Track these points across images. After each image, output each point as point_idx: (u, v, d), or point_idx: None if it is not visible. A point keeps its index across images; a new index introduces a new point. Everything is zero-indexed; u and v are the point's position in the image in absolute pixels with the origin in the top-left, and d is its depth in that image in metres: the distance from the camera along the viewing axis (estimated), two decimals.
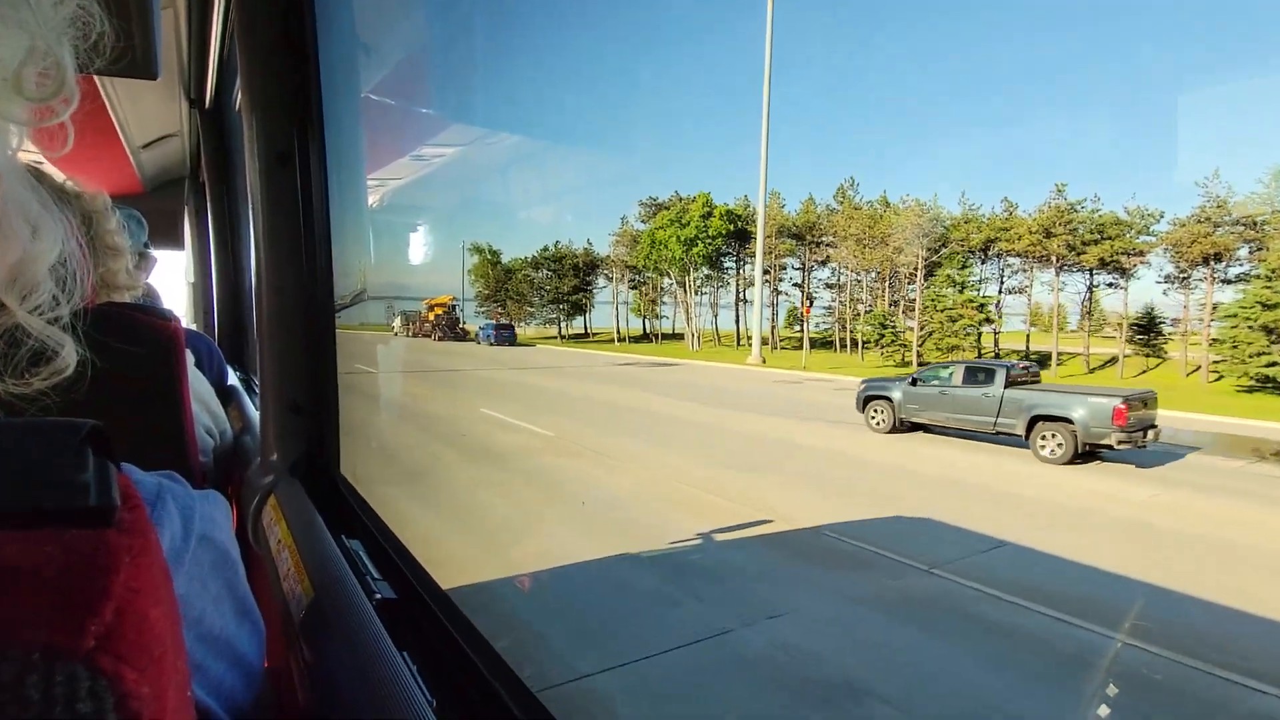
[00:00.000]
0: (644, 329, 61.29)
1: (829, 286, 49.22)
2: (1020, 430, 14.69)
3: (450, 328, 56.62)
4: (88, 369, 0.66)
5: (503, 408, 19.02)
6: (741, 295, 55.04)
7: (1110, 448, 13.64)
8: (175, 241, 6.12)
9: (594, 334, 62.08)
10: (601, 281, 63.19)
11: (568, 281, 61.64)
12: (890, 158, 60.13)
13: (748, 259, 54.40)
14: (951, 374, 16.52)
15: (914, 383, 16.91)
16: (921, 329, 38.21)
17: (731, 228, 52.50)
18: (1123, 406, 13.51)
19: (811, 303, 46.69)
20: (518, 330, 58.85)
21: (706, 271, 53.85)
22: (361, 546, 1.49)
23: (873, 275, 44.46)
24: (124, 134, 4.47)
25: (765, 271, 50.42)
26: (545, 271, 62.93)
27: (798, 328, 48.83)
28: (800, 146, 62.75)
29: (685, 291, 55.49)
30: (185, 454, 1.70)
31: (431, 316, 58.04)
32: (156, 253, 2.66)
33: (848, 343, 45.32)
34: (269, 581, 1.40)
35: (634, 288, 60.85)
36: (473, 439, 14.79)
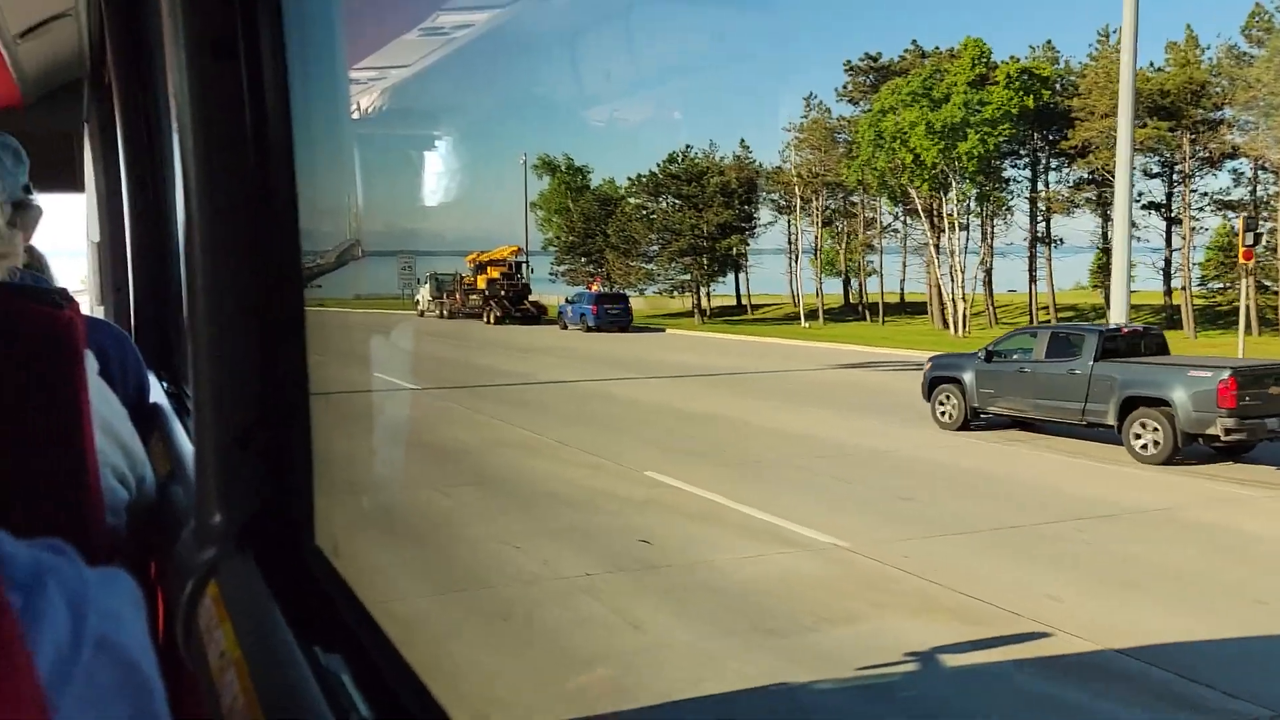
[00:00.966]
0: (846, 296, 42.64)
1: (1224, 206, 28.59)
2: (1111, 419, 12.63)
3: (516, 300, 40.42)
4: None
5: (692, 469, 11.26)
6: (1044, 232, 34.93)
7: (1216, 439, 11.51)
8: (70, 180, 5.00)
9: (754, 306, 45.00)
10: (764, 215, 44.36)
11: (712, 215, 42.16)
12: None
13: (1058, 162, 33.10)
14: (1035, 344, 14.25)
15: (989, 358, 14.67)
16: None
17: (1030, 103, 30.78)
18: (1229, 382, 11.23)
19: (1257, 238, 22.98)
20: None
21: (976, 188, 33.67)
22: (344, 665, 1.22)
23: None
24: None
25: (1095, 181, 29.63)
26: (669, 200, 43.76)
27: (1192, 284, 28.60)
28: None
29: (940, 225, 35.03)
30: (82, 511, 1.43)
31: (482, 282, 41.88)
32: (43, 199, 1.97)
33: None
34: (204, 714, 1.19)
35: (827, 224, 42.28)
36: (663, 555, 8.09)
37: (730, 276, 45.22)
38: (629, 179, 46.30)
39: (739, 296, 46.02)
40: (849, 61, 39.53)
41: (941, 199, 34.02)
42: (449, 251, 44.60)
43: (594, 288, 41.87)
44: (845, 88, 39.50)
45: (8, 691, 0.39)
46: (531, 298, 42.56)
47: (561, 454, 12.62)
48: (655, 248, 43.92)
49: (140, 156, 3.66)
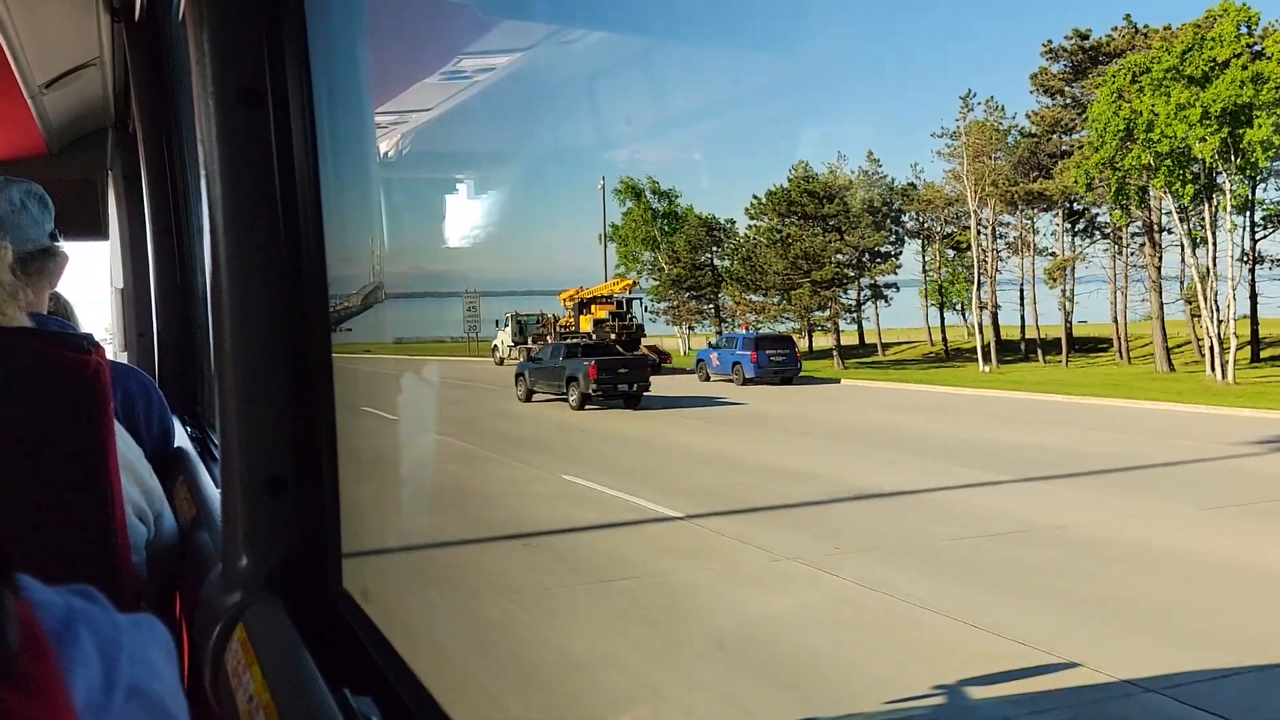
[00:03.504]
0: (996, 331, 35.70)
1: None
2: None
3: (629, 344, 33.63)
4: None
5: None
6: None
7: None
8: (95, 228, 5.05)
9: (884, 345, 40.39)
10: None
11: (856, 238, 36.67)
12: None
13: None
14: None
15: None
16: None
17: None
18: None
19: None
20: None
21: (1254, 185, 26.78)
22: (375, 709, 1.24)
23: None
24: (16, 66, 3.57)
25: None
26: (794, 220, 37.95)
27: None
28: None
29: (1199, 236, 27.99)
30: (111, 556, 1.41)
31: (586, 324, 35.60)
32: (69, 245, 1.99)
33: None
34: None
35: (957, 248, 37.05)
36: None
37: (862, 312, 39.69)
38: (754, 198, 40.07)
39: (862, 334, 40.51)
40: (1049, 43, 33.38)
41: (1214, 207, 26.89)
42: (518, 291, 40.23)
43: (745, 326, 35.24)
44: (1043, 74, 33.49)
45: None
46: (654, 345, 36.62)
47: None
48: (781, 278, 37.74)
49: (164, 203, 3.71)
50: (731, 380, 30.79)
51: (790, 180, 38.86)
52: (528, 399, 26.56)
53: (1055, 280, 35.95)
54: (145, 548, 1.61)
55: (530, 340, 37.33)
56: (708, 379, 31.87)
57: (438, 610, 7.48)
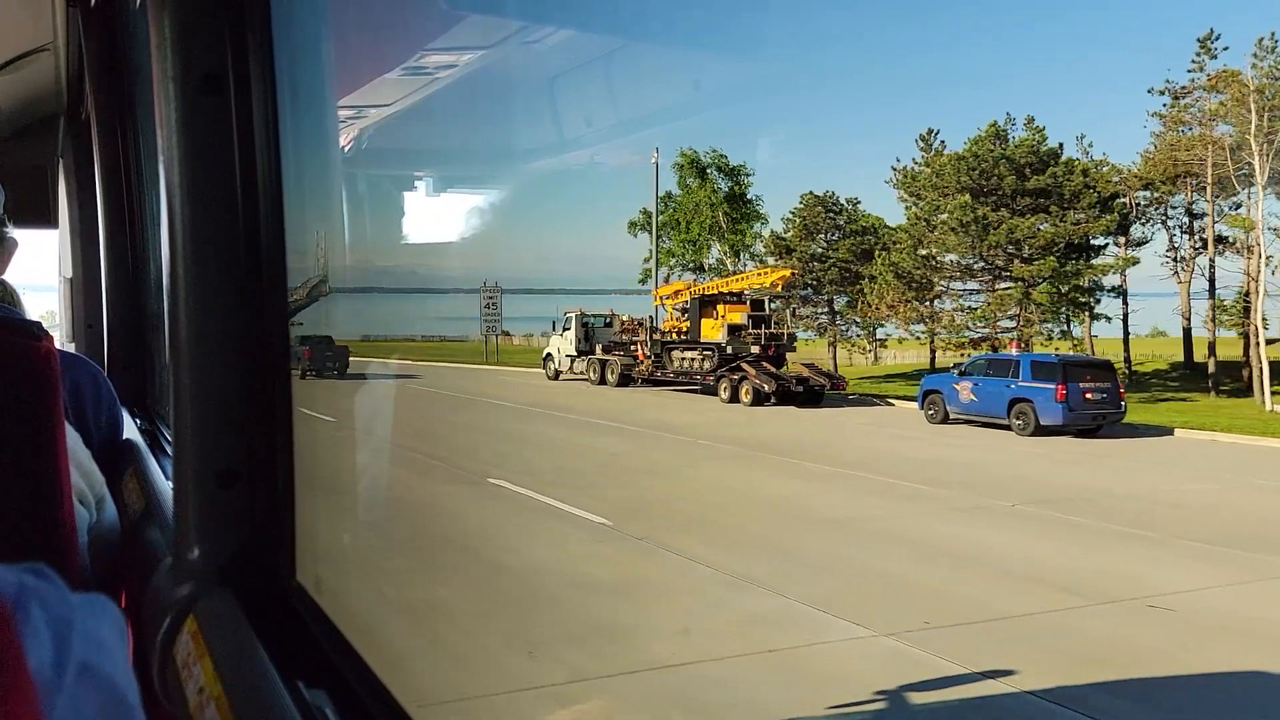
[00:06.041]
0: (1245, 347, 27.82)
1: None
2: None
3: (775, 360, 25.47)
4: None
5: None
6: None
7: None
8: (43, 215, 4.97)
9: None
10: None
11: (1072, 222, 28.16)
12: None
13: None
14: None
15: None
16: None
17: None
18: None
19: None
20: (879, 351, 30.09)
21: None
22: (329, 700, 1.22)
23: None
24: None
25: None
26: (990, 198, 28.67)
27: None
28: None
29: None
30: (60, 539, 1.45)
31: (713, 329, 26.66)
32: (16, 233, 1.97)
33: None
34: None
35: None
36: None
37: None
38: (901, 168, 31.08)
39: (1092, 344, 30.80)
40: None
41: None
42: (516, 289, 31.67)
43: (1011, 347, 24.77)
44: None
45: (14, 710, 0.39)
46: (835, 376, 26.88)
47: None
48: (987, 270, 28.57)
49: (117, 192, 3.68)
50: (991, 424, 20.84)
51: (972, 143, 29.72)
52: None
53: None
54: (87, 532, 1.62)
55: (609, 349, 29.51)
56: (944, 419, 21.96)
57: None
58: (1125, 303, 31.77)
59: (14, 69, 4.06)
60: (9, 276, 2.31)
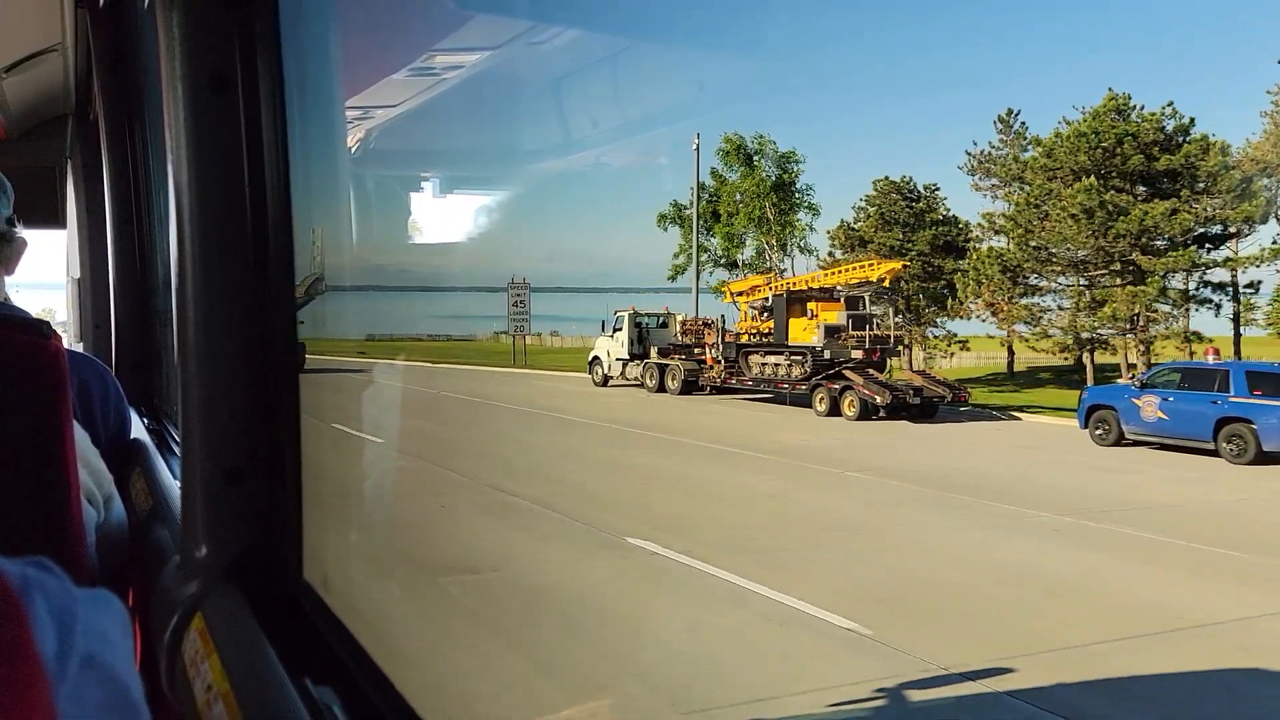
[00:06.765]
0: None
1: None
2: None
3: (879, 365, 22.68)
4: None
5: None
6: None
7: None
8: (52, 216, 5.00)
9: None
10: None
11: (1202, 208, 25.10)
12: None
13: None
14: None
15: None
16: None
17: None
18: None
19: None
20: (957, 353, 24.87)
21: None
22: (336, 698, 1.22)
23: None
24: None
25: None
26: (1115, 179, 25.35)
27: None
28: None
29: None
30: (67, 537, 1.45)
31: (805, 331, 23.57)
32: (25, 233, 2.00)
33: None
34: None
35: None
36: None
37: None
38: (1030, 142, 28.34)
39: (1190, 348, 27.33)
40: None
41: None
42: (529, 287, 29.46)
43: (1210, 355, 20.21)
44: None
45: (30, 698, 0.40)
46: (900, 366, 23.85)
47: None
48: (1120, 263, 25.11)
49: (125, 192, 3.69)
50: (1185, 447, 17.18)
51: (1089, 117, 26.13)
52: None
53: None
54: (95, 530, 1.63)
55: (669, 352, 26.56)
56: (1118, 440, 18.27)
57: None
58: (1236, 299, 28.51)
59: (23, 69, 4.08)
60: (17, 276, 2.33)
